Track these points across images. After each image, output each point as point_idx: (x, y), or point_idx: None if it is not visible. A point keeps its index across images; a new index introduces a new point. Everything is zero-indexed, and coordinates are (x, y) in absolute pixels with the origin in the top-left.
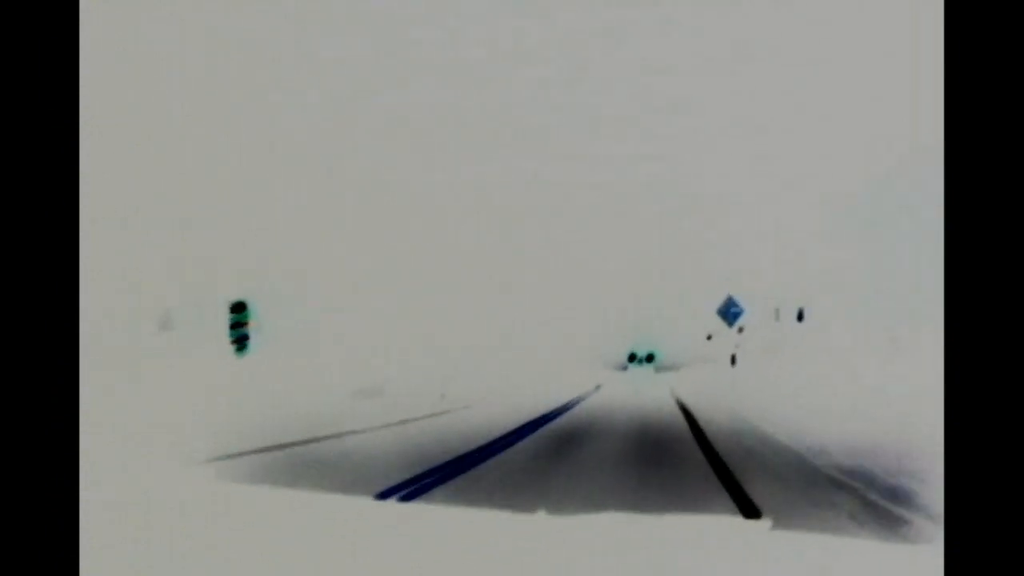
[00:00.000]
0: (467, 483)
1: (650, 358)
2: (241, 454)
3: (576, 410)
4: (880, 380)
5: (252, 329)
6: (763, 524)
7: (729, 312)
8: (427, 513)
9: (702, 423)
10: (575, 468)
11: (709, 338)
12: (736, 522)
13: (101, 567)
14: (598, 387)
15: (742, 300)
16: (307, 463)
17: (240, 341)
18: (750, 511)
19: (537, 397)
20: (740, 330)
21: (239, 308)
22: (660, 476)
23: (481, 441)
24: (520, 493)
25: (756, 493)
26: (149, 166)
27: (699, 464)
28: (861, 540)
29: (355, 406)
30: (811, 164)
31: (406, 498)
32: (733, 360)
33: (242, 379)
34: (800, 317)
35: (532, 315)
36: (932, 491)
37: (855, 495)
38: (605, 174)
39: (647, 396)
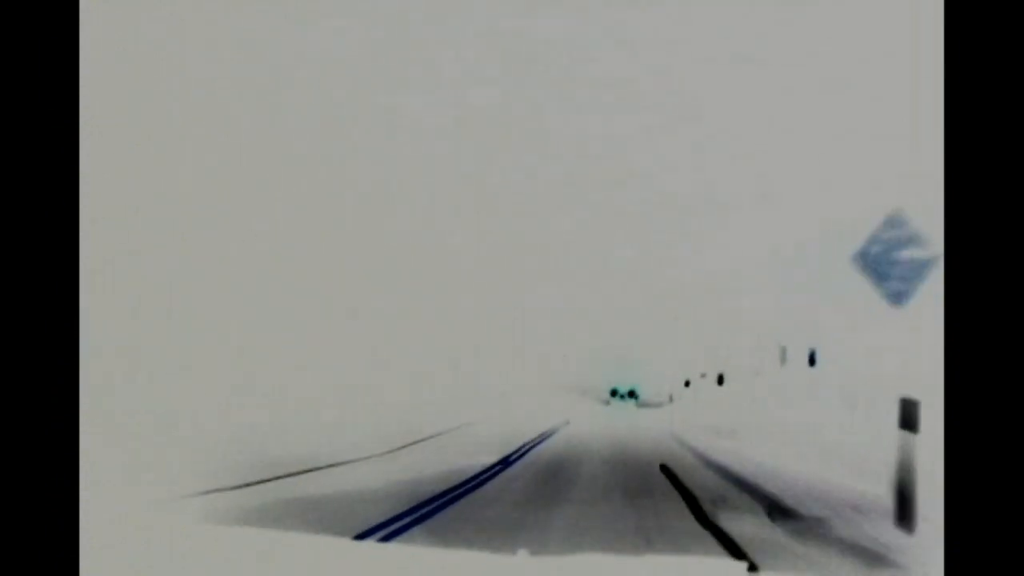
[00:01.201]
0: None
1: (632, 394)
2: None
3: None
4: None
5: None
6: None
7: (884, 258)
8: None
9: None
10: None
11: (687, 384)
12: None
13: (101, 567)
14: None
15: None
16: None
17: None
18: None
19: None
20: (720, 379)
21: None
22: None
23: None
24: None
25: None
26: (149, 166)
27: None
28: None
29: None
30: (809, 204)
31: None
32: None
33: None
34: (812, 361)
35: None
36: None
37: None
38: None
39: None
